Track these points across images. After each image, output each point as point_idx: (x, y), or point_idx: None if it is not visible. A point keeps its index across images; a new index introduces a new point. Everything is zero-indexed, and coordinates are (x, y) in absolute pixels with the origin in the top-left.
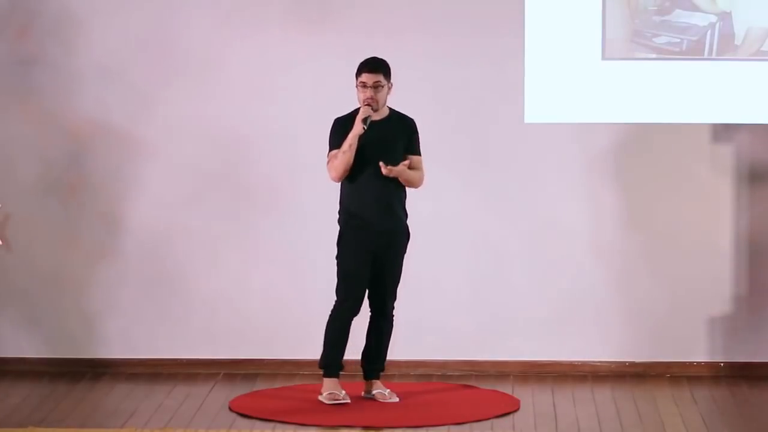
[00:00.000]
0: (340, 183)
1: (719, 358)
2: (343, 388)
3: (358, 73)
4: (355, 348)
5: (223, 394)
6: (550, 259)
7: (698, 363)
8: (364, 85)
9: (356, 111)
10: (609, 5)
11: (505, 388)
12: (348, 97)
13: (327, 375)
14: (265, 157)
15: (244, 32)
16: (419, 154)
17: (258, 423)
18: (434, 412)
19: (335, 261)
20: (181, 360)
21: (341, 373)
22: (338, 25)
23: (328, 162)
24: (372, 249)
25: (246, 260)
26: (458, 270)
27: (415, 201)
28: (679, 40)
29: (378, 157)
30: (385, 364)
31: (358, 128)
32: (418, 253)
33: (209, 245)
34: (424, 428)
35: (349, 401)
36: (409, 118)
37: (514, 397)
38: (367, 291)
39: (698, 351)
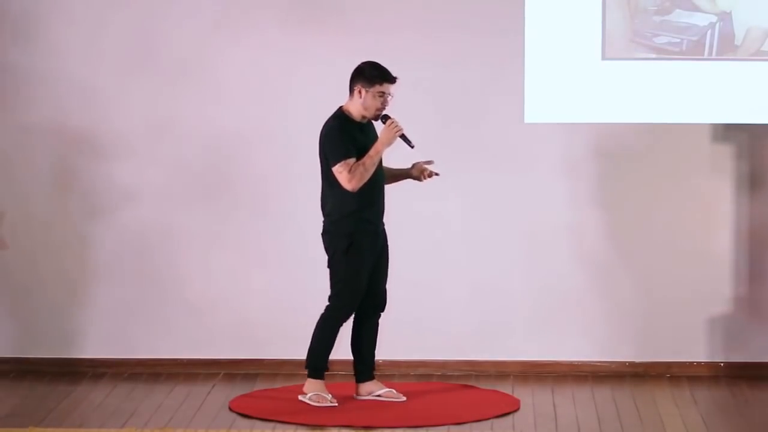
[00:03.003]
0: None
1: (719, 358)
2: (330, 391)
3: (379, 81)
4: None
5: (223, 394)
6: (550, 258)
7: (698, 363)
8: (382, 95)
9: (344, 115)
10: (609, 5)
11: (505, 388)
12: (343, 100)
13: (315, 377)
14: (265, 158)
15: (240, 34)
16: None
17: (258, 423)
18: (434, 412)
19: (337, 266)
20: (181, 360)
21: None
22: (336, 27)
23: (346, 171)
24: (377, 252)
25: (245, 260)
26: (458, 270)
27: (415, 201)
28: (679, 40)
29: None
30: (381, 362)
31: (392, 141)
32: (418, 253)
33: (209, 246)
34: (424, 428)
35: (336, 404)
36: None
37: (514, 397)
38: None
39: (698, 351)
